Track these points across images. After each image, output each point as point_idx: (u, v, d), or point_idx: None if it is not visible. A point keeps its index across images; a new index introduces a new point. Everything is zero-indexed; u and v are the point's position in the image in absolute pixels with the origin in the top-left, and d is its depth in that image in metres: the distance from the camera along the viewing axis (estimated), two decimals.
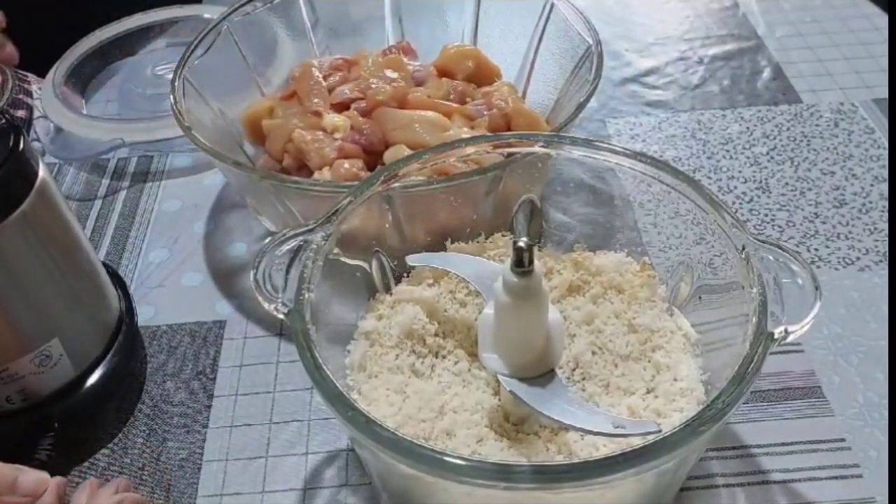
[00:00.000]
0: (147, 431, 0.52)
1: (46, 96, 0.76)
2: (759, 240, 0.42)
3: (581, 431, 0.40)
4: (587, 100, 0.56)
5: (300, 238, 0.43)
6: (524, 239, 0.38)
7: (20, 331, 0.46)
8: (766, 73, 0.80)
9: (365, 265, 0.50)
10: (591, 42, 0.61)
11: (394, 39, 0.73)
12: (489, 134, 0.59)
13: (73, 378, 0.49)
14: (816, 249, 0.61)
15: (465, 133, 0.59)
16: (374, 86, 0.62)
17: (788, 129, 0.73)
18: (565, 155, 0.49)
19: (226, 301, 0.60)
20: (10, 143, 0.43)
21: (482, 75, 0.66)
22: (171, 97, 0.59)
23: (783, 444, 0.49)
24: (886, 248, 0.61)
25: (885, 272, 0.59)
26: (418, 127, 0.59)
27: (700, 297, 0.48)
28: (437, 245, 0.53)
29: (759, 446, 0.49)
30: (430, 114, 0.60)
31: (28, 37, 0.81)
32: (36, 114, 0.77)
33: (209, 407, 0.53)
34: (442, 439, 0.42)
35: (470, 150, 0.50)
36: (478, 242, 0.54)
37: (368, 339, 0.48)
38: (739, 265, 0.42)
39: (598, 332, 0.48)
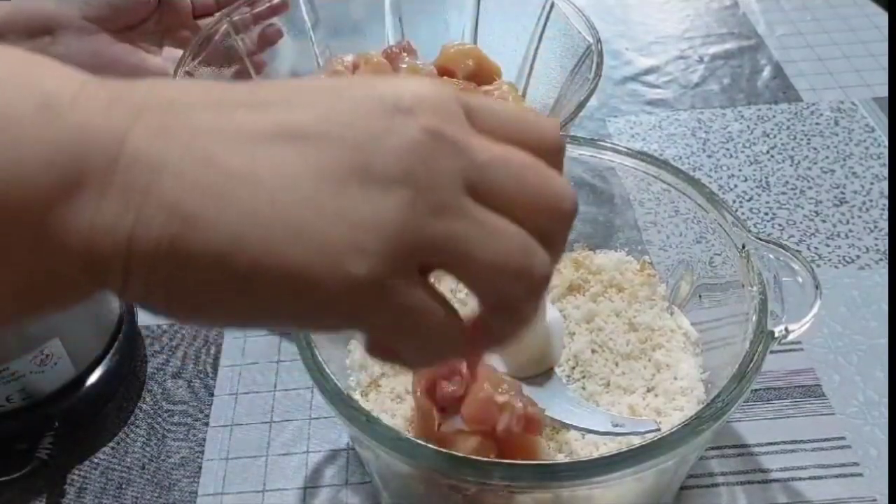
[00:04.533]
0: (147, 431, 0.52)
1: None
2: (759, 238, 0.42)
3: (581, 430, 0.40)
4: (587, 98, 0.56)
5: None
6: None
7: (20, 330, 0.46)
8: (767, 72, 0.80)
9: None
10: (591, 41, 0.61)
11: (394, 39, 0.73)
12: None
13: (73, 377, 0.49)
14: (816, 248, 0.61)
15: None
16: None
17: (788, 127, 0.73)
18: (565, 154, 0.49)
19: None
20: None
21: (482, 74, 0.66)
22: None
23: (783, 443, 0.49)
24: (886, 247, 0.61)
25: (886, 271, 0.59)
26: None
27: (700, 296, 0.48)
28: None
29: (759, 445, 0.49)
30: None
31: None
32: None
33: (210, 406, 0.53)
34: None
35: None
36: None
37: None
38: (740, 264, 0.42)
39: (598, 330, 0.48)
